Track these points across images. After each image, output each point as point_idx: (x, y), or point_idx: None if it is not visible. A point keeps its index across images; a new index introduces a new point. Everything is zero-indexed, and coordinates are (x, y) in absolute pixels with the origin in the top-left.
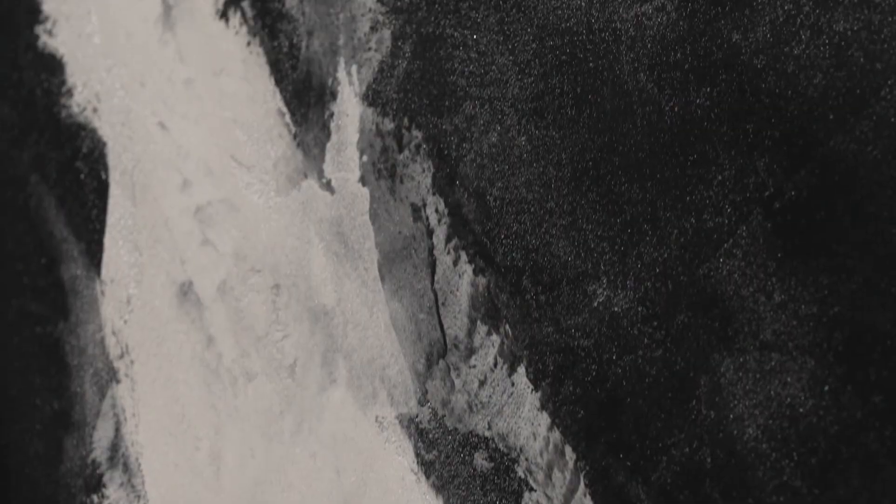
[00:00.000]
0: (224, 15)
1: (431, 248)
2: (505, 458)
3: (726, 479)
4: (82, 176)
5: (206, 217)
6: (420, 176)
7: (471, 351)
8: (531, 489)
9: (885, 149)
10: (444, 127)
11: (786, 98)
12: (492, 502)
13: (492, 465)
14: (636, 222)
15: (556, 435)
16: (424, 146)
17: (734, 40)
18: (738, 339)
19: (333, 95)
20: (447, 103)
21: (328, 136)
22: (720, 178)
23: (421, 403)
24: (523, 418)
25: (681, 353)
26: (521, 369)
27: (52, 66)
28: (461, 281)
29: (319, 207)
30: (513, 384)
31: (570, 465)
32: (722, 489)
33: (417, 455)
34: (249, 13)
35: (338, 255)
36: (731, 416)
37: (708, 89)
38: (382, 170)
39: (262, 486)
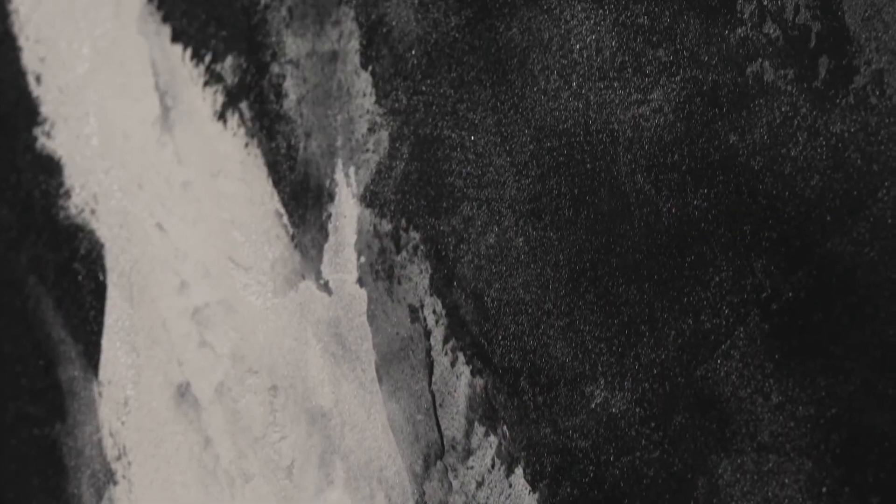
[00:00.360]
0: (222, 116)
1: (429, 349)
2: None
3: None
4: (80, 277)
5: (204, 318)
6: (417, 277)
7: (468, 452)
8: None
9: (882, 250)
10: (441, 228)
11: (783, 199)
12: None
13: None
14: (634, 323)
15: None
16: (422, 247)
17: (731, 142)
18: (736, 440)
19: (331, 196)
20: (445, 204)
21: (326, 237)
22: (717, 279)
23: None
24: None
25: (678, 454)
26: (519, 470)
27: (51, 167)
28: (459, 382)
29: (317, 308)
30: (510, 485)
31: None
32: None
33: None
34: (247, 114)
35: (335, 357)
36: None
37: (705, 191)
38: (380, 271)
39: None
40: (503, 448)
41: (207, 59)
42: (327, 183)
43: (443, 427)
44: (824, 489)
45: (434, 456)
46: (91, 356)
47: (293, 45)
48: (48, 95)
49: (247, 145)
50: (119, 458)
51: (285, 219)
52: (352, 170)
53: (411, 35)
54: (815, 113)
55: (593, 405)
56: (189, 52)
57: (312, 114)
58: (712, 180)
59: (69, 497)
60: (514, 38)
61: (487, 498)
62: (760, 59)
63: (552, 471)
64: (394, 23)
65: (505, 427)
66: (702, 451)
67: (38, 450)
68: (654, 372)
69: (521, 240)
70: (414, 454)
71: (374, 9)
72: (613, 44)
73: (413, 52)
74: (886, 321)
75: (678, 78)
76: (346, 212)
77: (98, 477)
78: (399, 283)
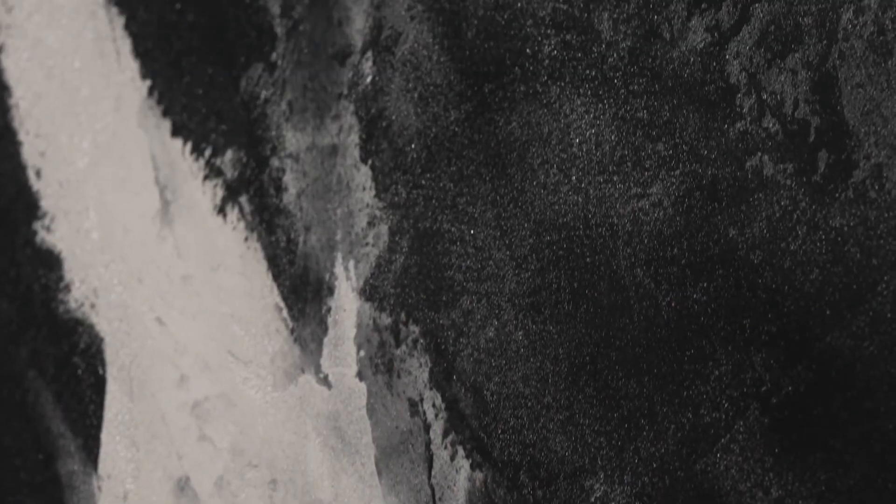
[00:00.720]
0: (222, 210)
1: (428, 443)
2: None
3: None
4: (80, 371)
5: (203, 412)
6: (417, 370)
7: None
8: None
9: (881, 344)
10: (441, 321)
11: (782, 293)
12: None
13: None
14: (633, 417)
15: None
16: (421, 341)
17: (731, 236)
18: None
19: (331, 290)
20: (444, 298)
21: (325, 330)
22: (717, 373)
23: None
24: None
25: None
26: None
27: (50, 261)
28: (458, 476)
29: (316, 402)
30: None
31: None
32: None
33: None
34: (247, 208)
35: (335, 450)
36: None
37: (705, 284)
38: (379, 364)
39: None
40: None
41: (207, 153)
42: (327, 277)
43: None
44: None
45: None
46: (90, 450)
47: (293, 139)
48: (48, 189)
49: (246, 239)
50: None
51: (285, 312)
52: (351, 263)
53: (411, 129)
54: (814, 207)
55: (593, 499)
56: (189, 146)
57: (312, 208)
58: (712, 274)
59: None
60: (514, 132)
61: None
62: (760, 154)
63: None
64: (393, 117)
65: None
66: None
67: None
68: (654, 466)
69: (520, 333)
70: None
71: (374, 103)
72: (613, 138)
73: (413, 146)
74: (886, 415)
75: (677, 172)
76: (346, 305)
77: None
78: (399, 376)
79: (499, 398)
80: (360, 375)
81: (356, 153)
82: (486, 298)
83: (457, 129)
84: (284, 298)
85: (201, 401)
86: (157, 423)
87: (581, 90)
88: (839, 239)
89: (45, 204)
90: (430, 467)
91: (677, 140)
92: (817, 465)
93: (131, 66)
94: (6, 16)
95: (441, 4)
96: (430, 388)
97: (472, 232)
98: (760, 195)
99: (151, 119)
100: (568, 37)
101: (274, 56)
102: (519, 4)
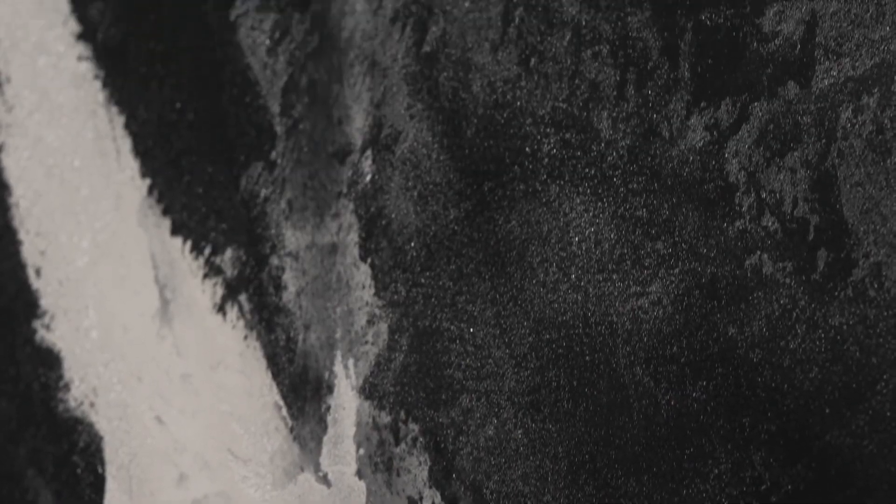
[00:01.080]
0: (221, 309)
1: None
2: None
3: None
4: (79, 470)
5: None
6: (416, 469)
7: None
8: None
9: (880, 443)
10: (440, 420)
11: (782, 392)
12: None
13: None
14: None
15: None
16: (421, 439)
17: (730, 334)
18: None
19: (330, 389)
20: (444, 396)
21: (325, 429)
22: (717, 471)
23: None
24: None
25: None
26: None
27: (50, 360)
28: None
29: (316, 500)
30: None
31: None
32: None
33: None
34: (247, 307)
35: None
36: None
37: (704, 383)
38: (379, 463)
39: None
40: None
41: (207, 251)
42: (326, 375)
43: None
44: None
45: None
46: None
47: (293, 237)
48: (48, 288)
49: (246, 338)
50: None
51: (284, 411)
52: (351, 362)
53: (410, 227)
54: (813, 306)
55: None
56: (189, 244)
57: (312, 306)
58: (711, 373)
59: None
60: (514, 230)
61: None
62: (759, 252)
63: None
64: (393, 215)
65: None
66: None
67: None
68: None
69: (520, 432)
70: None
71: (374, 201)
72: (612, 236)
73: (412, 245)
74: None
75: (677, 270)
76: (346, 404)
77: None
78: (398, 475)
79: (498, 497)
80: (360, 474)
81: (356, 251)
82: (486, 397)
83: (456, 227)
84: (284, 397)
85: (200, 499)
86: None
87: (580, 189)
88: (838, 337)
89: (45, 302)
90: None
91: (676, 238)
92: None
93: (131, 164)
94: (7, 115)
95: (440, 103)
96: (430, 487)
97: (471, 330)
98: (760, 294)
99: (151, 218)
100: (567, 135)
101: (274, 155)
102: (518, 103)
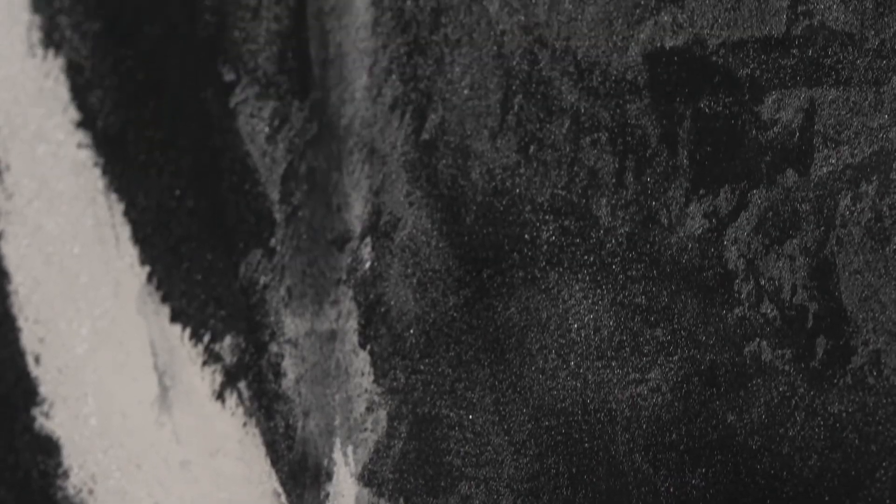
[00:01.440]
0: (221, 396)
1: None
2: None
3: None
4: None
5: None
6: None
7: None
8: None
9: None
10: None
11: (781, 479)
12: None
13: None
14: None
15: None
16: None
17: (729, 421)
18: None
19: (329, 476)
20: (443, 483)
21: None
22: None
23: None
24: None
25: None
26: None
27: (49, 447)
28: None
29: None
30: None
31: None
32: None
33: None
34: (246, 394)
35: None
36: None
37: (703, 470)
38: None
39: None
40: None
41: (206, 338)
42: (325, 462)
43: None
44: None
45: None
46: None
47: (292, 324)
48: (47, 376)
49: (245, 424)
50: None
51: (283, 498)
52: (350, 449)
53: (410, 314)
54: (812, 393)
55: None
56: (188, 331)
57: (311, 393)
58: (710, 460)
59: None
60: (513, 317)
61: None
62: (758, 339)
63: None
64: (392, 302)
65: None
66: None
67: None
68: None
69: None
70: None
71: (373, 288)
72: (611, 323)
73: (411, 332)
74: None
75: (676, 357)
76: (345, 491)
77: None
78: None
79: None
80: None
81: (355, 338)
82: (485, 484)
83: (455, 314)
84: (283, 484)
85: None
86: None
87: (579, 276)
88: (838, 425)
89: (44, 390)
90: None
91: (675, 326)
92: None
93: (130, 252)
94: (6, 202)
95: (439, 190)
96: None
97: (470, 417)
98: (759, 381)
99: (150, 305)
100: (566, 222)
101: (273, 242)
102: (517, 190)
